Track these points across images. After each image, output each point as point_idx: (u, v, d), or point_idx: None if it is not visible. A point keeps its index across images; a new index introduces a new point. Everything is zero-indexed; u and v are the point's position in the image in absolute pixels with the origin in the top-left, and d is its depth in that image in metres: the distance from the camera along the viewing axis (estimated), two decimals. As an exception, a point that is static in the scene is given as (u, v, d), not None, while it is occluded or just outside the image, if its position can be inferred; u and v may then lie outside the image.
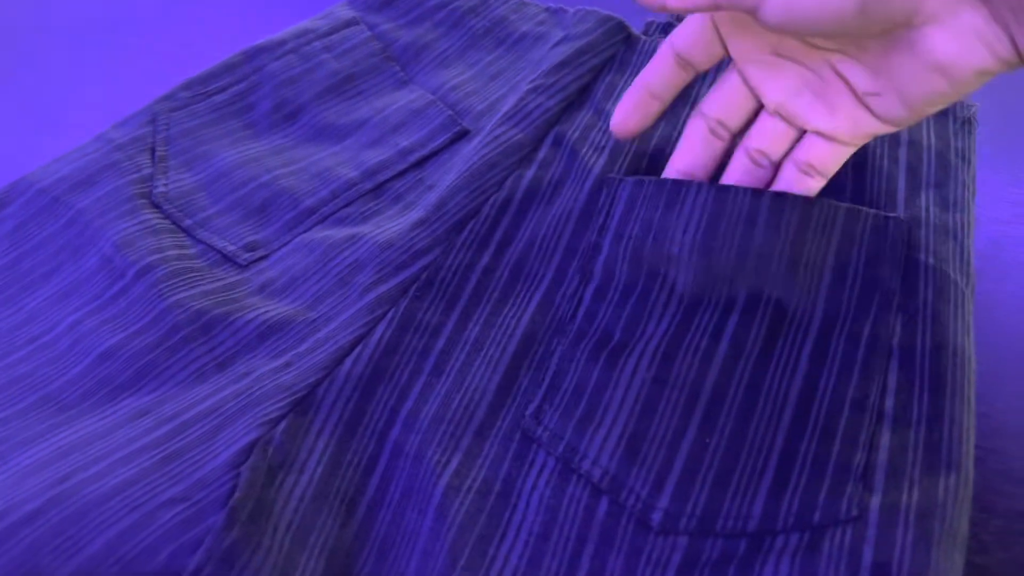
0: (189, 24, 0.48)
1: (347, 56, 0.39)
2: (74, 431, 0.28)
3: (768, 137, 0.29)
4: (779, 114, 0.28)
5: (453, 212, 0.31)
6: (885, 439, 0.24)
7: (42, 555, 0.25)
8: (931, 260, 0.28)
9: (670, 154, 0.32)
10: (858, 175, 0.30)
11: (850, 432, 0.25)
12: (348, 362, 0.28)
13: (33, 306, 0.32)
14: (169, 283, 0.31)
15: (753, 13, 0.24)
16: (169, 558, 0.24)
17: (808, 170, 0.28)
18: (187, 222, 0.34)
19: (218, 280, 0.31)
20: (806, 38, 0.26)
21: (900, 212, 0.29)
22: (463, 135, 0.35)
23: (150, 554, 0.24)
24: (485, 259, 0.31)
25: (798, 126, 0.28)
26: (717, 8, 0.24)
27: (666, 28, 0.39)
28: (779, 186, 0.29)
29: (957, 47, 0.22)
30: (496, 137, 0.33)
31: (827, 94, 0.27)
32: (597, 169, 0.32)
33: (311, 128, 0.37)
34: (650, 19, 0.40)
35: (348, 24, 0.40)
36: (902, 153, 0.31)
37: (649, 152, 0.33)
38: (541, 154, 0.33)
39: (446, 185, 0.32)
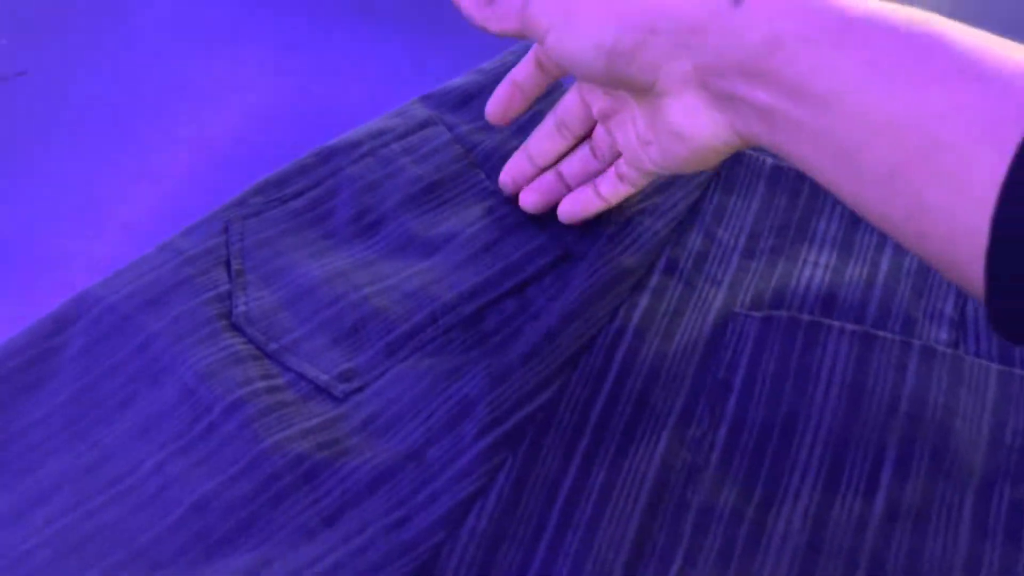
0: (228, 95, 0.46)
1: (428, 161, 0.37)
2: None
3: (600, 141, 0.32)
4: (604, 127, 0.32)
5: (566, 345, 0.29)
6: None
7: None
8: None
9: (793, 294, 0.31)
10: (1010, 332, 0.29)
11: None
12: (471, 519, 0.26)
13: (110, 441, 0.29)
14: (263, 421, 0.28)
15: (541, 43, 0.27)
16: None
17: (623, 177, 0.31)
18: (272, 346, 0.31)
19: (315, 416, 0.29)
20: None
21: None
22: (565, 258, 0.33)
23: None
24: (603, 396, 0.29)
25: (613, 140, 0.32)
26: (523, 37, 0.27)
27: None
28: (600, 182, 0.32)
29: (687, 120, 0.25)
30: (605, 263, 0.32)
31: (626, 127, 0.29)
32: (718, 303, 0.31)
33: (395, 240, 0.35)
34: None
35: (425, 124, 0.38)
36: None
37: (771, 288, 0.31)
38: (653, 281, 0.32)
39: (555, 314, 0.30)
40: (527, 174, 0.35)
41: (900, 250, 0.32)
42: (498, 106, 0.33)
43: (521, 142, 0.38)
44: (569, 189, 0.34)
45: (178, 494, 0.27)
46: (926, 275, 0.31)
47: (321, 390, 0.30)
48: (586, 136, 0.34)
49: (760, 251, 0.33)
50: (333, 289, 0.33)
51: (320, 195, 0.36)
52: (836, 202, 0.34)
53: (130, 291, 0.33)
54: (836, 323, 0.29)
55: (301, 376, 0.30)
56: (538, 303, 0.32)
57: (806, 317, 0.29)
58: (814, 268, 0.32)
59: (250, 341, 0.31)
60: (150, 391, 0.31)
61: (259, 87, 0.47)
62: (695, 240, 0.33)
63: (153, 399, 0.30)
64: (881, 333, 0.29)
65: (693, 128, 0.25)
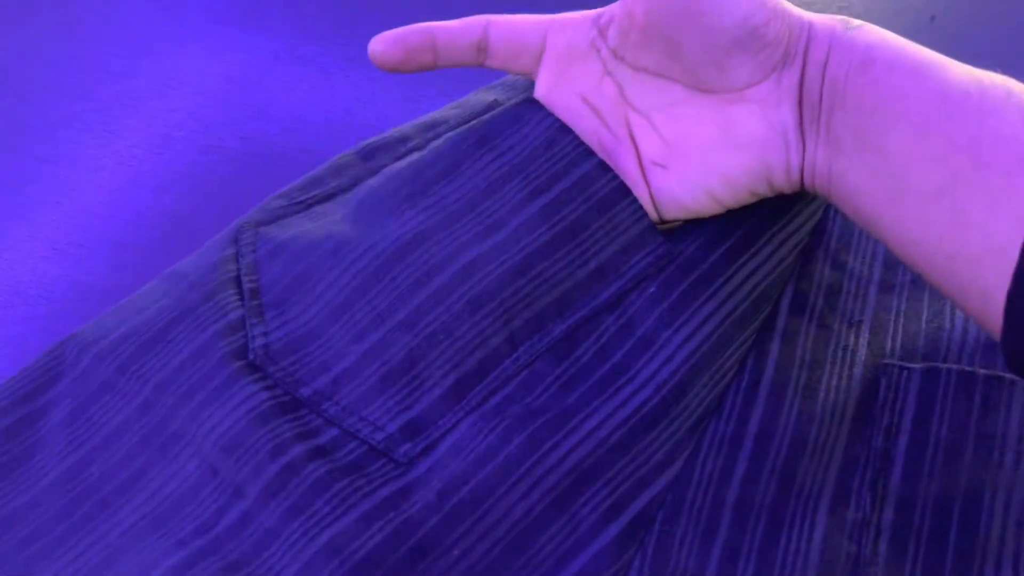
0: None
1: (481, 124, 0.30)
2: None
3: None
4: None
5: (692, 403, 0.23)
6: None
7: None
8: None
9: (952, 337, 0.25)
10: None
11: None
12: None
13: (115, 537, 0.23)
14: (312, 510, 0.22)
15: None
16: None
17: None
18: (305, 391, 0.25)
19: (375, 490, 0.22)
20: (647, 68, 0.26)
21: None
22: (671, 260, 0.26)
23: None
24: (741, 469, 0.22)
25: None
26: None
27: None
28: None
29: (764, 131, 0.24)
30: (734, 286, 0.25)
31: (614, 154, 0.27)
32: (863, 353, 0.24)
33: (445, 209, 0.27)
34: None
35: (489, 108, 0.31)
36: None
37: (923, 332, 0.25)
38: (781, 323, 0.25)
39: (677, 354, 0.23)
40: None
41: None
42: (395, 47, 0.27)
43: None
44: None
45: None
46: None
47: (378, 453, 0.23)
48: None
49: (900, 284, 0.27)
50: (371, 305, 0.26)
51: (351, 197, 0.29)
52: None
53: (125, 332, 0.27)
54: (1017, 389, 0.22)
55: (349, 434, 0.24)
56: (644, 324, 0.25)
57: (981, 371, 0.23)
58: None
59: (276, 385, 0.24)
60: (161, 466, 0.24)
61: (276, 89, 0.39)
62: (822, 270, 0.27)
63: (167, 478, 0.24)
64: None
65: (769, 141, 0.24)
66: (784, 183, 0.25)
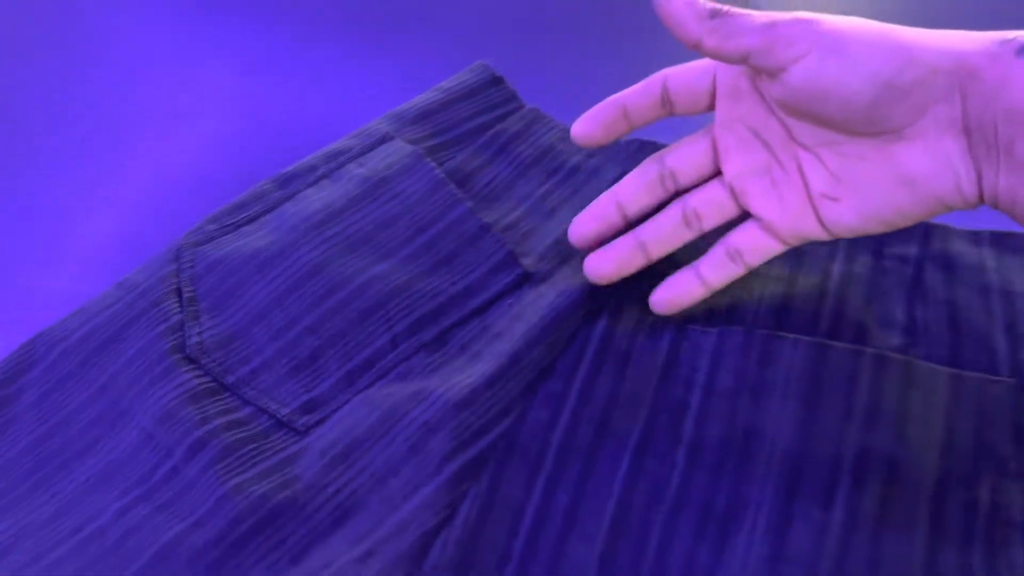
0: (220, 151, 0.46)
1: (375, 161, 0.37)
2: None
3: (708, 203, 0.30)
4: (732, 187, 0.29)
5: (528, 369, 0.30)
6: None
7: None
8: None
9: (746, 305, 0.31)
10: (955, 338, 0.29)
11: None
12: (435, 551, 0.26)
13: (71, 490, 0.29)
14: (224, 463, 0.28)
15: (775, 75, 0.25)
16: None
17: (735, 256, 0.29)
18: (230, 379, 0.31)
19: (276, 452, 0.29)
20: (799, 121, 0.27)
21: (1004, 372, 0.28)
22: (526, 278, 0.33)
23: None
24: (564, 419, 0.29)
25: (743, 205, 0.29)
26: (745, 61, 0.25)
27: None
28: (702, 264, 0.30)
29: (930, 167, 0.24)
30: (564, 285, 0.32)
31: (783, 187, 0.28)
32: (673, 321, 0.31)
33: (343, 240, 0.34)
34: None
35: (383, 140, 0.38)
36: (996, 306, 0.30)
37: (724, 305, 0.31)
38: (612, 304, 0.32)
39: (519, 337, 0.30)
40: (615, 227, 0.31)
41: (850, 257, 0.32)
42: (595, 126, 0.30)
43: (488, 160, 0.38)
44: (648, 260, 0.31)
45: (141, 542, 0.27)
46: (876, 281, 0.31)
47: (282, 424, 0.30)
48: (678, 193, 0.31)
49: None
50: (285, 312, 0.32)
51: (271, 218, 0.36)
52: None
53: (87, 331, 0.33)
54: (790, 336, 0.29)
55: (261, 410, 0.30)
56: (499, 324, 0.32)
57: (760, 332, 0.29)
58: (766, 280, 0.32)
59: (206, 374, 0.31)
60: (110, 437, 0.30)
61: (223, 112, 0.46)
62: None
63: (114, 445, 0.30)
64: (834, 343, 0.29)
65: (935, 175, 0.24)
66: (960, 205, 0.25)
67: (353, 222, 0.34)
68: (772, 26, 0.24)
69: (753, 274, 0.32)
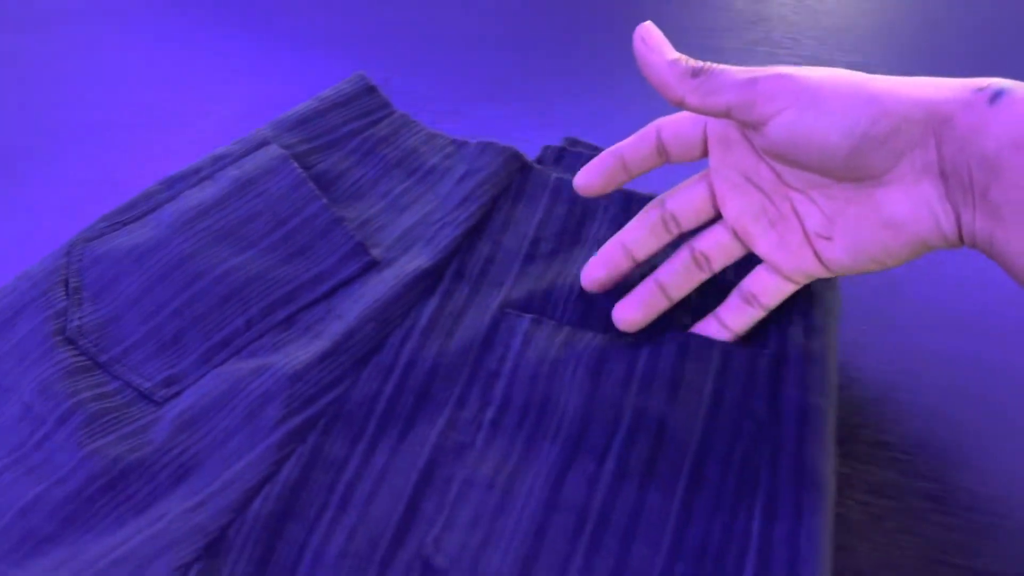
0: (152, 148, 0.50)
1: (255, 173, 0.41)
2: (-6, 583, 0.29)
3: (715, 245, 0.31)
4: (734, 229, 0.30)
5: (360, 345, 0.33)
6: (751, 562, 0.27)
7: None
8: (795, 392, 0.30)
9: (559, 293, 0.35)
10: None
11: (720, 554, 0.27)
12: (257, 502, 0.29)
13: None
14: (87, 430, 0.32)
15: (757, 128, 0.26)
16: None
17: (750, 300, 0.31)
18: (103, 357, 0.35)
19: (135, 421, 0.33)
20: (786, 167, 0.28)
21: (771, 346, 0.32)
22: (373, 265, 0.37)
23: None
24: (390, 388, 0.32)
25: (747, 246, 0.31)
26: (727, 116, 0.27)
27: (558, 156, 0.42)
28: (722, 311, 0.32)
29: (910, 210, 0.25)
30: (405, 268, 0.35)
31: (781, 227, 0.29)
32: (496, 302, 0.35)
33: (211, 233, 0.38)
34: (545, 145, 0.43)
35: (261, 145, 0.42)
36: None
37: (541, 291, 0.35)
38: (444, 286, 0.36)
39: (354, 316, 0.34)
40: (622, 269, 0.33)
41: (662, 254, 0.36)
42: (594, 178, 0.32)
43: (357, 162, 0.41)
44: (671, 302, 0.33)
45: (11, 499, 0.31)
46: None
47: (144, 396, 0.34)
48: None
49: (539, 255, 0.37)
50: (155, 298, 0.36)
51: (154, 216, 0.40)
52: (606, 208, 0.38)
53: (-17, 318, 0.37)
54: (589, 332, 0.33)
55: (127, 384, 0.34)
56: (343, 306, 0.35)
57: (566, 324, 0.33)
58: (579, 269, 0.36)
59: (83, 354, 0.35)
60: None
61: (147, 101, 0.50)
62: (484, 248, 0.37)
63: None
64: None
65: (916, 218, 0.25)
66: (943, 245, 0.25)
67: (220, 217, 0.38)
68: (752, 83, 0.26)
69: (572, 262, 0.36)
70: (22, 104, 0.53)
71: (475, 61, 0.52)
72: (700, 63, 0.27)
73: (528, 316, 0.34)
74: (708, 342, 0.31)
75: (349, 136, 0.43)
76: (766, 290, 0.31)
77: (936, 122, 0.23)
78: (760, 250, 0.30)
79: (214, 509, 0.29)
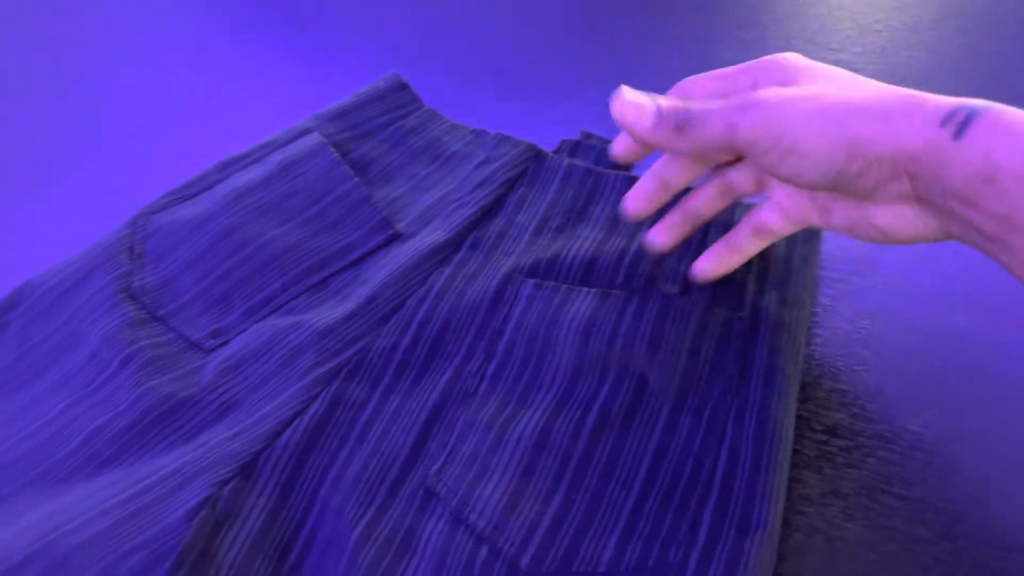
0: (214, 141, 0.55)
1: (297, 155, 0.45)
2: (65, 495, 0.34)
3: (742, 177, 0.33)
4: (757, 178, 0.32)
5: (382, 305, 0.38)
6: (712, 499, 0.30)
7: (30, 597, 0.30)
8: (764, 353, 0.33)
9: (563, 260, 0.39)
10: (716, 283, 0.37)
11: (685, 495, 0.30)
12: (286, 434, 0.34)
13: (35, 395, 0.38)
14: (144, 371, 0.37)
15: (753, 159, 0.28)
16: (133, 596, 0.29)
17: (759, 231, 0.33)
18: (160, 312, 0.40)
19: (185, 365, 0.38)
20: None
21: (746, 311, 0.35)
22: (397, 237, 0.41)
23: (118, 594, 0.30)
24: (406, 341, 0.37)
25: (767, 189, 0.33)
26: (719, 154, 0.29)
27: (573, 149, 0.46)
28: (733, 235, 0.34)
29: (895, 223, 0.27)
30: (424, 241, 0.40)
31: (795, 190, 0.31)
32: (504, 269, 0.39)
33: (255, 208, 0.43)
34: (563, 139, 0.47)
35: (303, 133, 0.47)
36: (755, 260, 0.37)
37: (546, 259, 0.39)
38: (459, 255, 0.40)
39: (378, 282, 0.38)
40: (660, 200, 0.35)
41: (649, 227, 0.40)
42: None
43: (388, 150, 0.46)
44: (695, 227, 0.35)
45: (77, 428, 0.36)
46: None
47: (194, 345, 0.38)
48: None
49: (548, 230, 0.41)
50: (205, 264, 0.41)
51: (208, 194, 0.45)
52: (611, 190, 0.42)
53: (61, 278, 0.42)
54: (585, 288, 0.37)
55: (180, 335, 0.39)
56: (368, 273, 0.40)
57: (564, 286, 0.37)
58: (584, 242, 0.39)
59: (143, 309, 0.40)
60: (68, 356, 0.39)
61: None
62: (497, 224, 0.41)
63: (68, 361, 0.39)
64: (615, 291, 0.36)
65: (900, 229, 0.27)
66: (930, 241, 0.27)
67: (264, 195, 0.43)
68: (733, 134, 0.27)
69: (576, 237, 0.40)
70: (87, 104, 0.59)
71: (491, 59, 0.57)
72: (682, 118, 0.29)
73: (532, 280, 0.38)
74: (688, 304, 0.35)
75: (382, 127, 0.47)
76: (772, 226, 0.33)
77: (904, 159, 0.24)
78: (776, 198, 0.32)
79: (249, 438, 0.34)
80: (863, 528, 0.30)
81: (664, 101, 0.30)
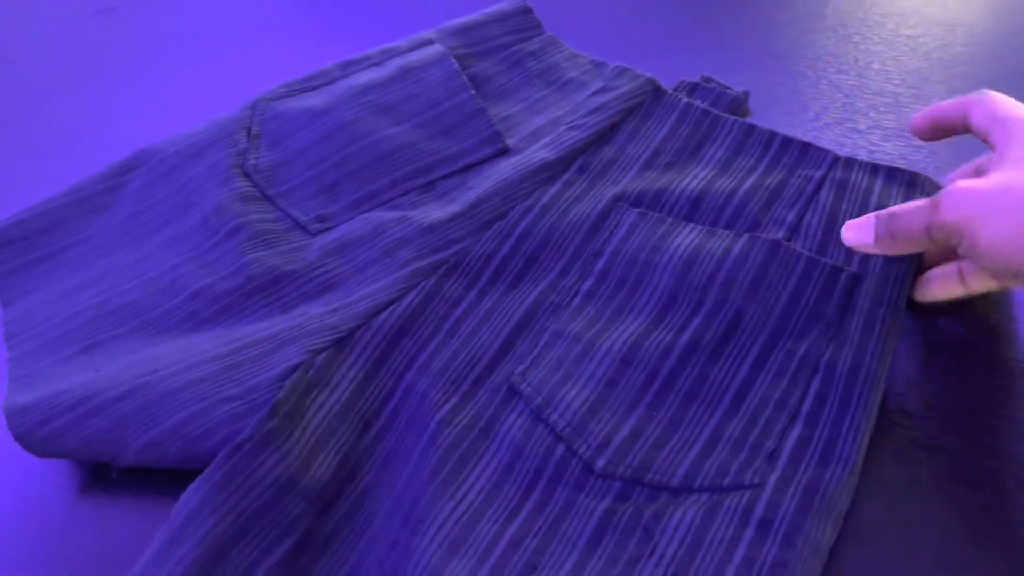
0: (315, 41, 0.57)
1: (414, 55, 0.46)
2: (164, 344, 0.36)
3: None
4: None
5: (486, 212, 0.38)
6: (795, 433, 0.30)
7: (126, 425, 0.32)
8: (867, 303, 0.33)
9: (670, 195, 0.39)
10: (826, 236, 0.36)
11: (769, 424, 0.30)
12: (382, 316, 0.35)
13: (148, 249, 0.40)
14: (251, 243, 0.38)
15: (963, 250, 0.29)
16: (223, 439, 0.31)
17: (960, 276, 0.34)
18: (271, 191, 0.41)
19: (291, 243, 0.39)
20: None
21: (855, 267, 0.35)
22: (505, 152, 0.42)
23: (208, 435, 0.31)
24: (505, 250, 0.37)
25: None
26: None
27: (691, 90, 0.45)
28: (937, 271, 0.35)
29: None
30: (532, 157, 0.40)
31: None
32: (609, 196, 0.39)
33: (373, 106, 0.44)
34: (683, 79, 0.46)
35: (424, 44, 0.48)
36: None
37: (653, 191, 0.39)
38: (566, 176, 0.40)
39: (484, 190, 0.39)
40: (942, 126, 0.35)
41: (767, 172, 0.39)
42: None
43: (505, 69, 0.47)
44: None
45: (184, 285, 0.38)
46: (780, 190, 0.38)
47: (299, 226, 0.40)
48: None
49: (658, 164, 0.41)
50: (319, 152, 0.42)
51: (328, 88, 0.46)
52: (727, 134, 0.41)
53: (179, 148, 0.44)
54: (690, 224, 0.37)
55: (287, 215, 0.40)
56: (475, 181, 0.40)
57: (669, 219, 0.37)
58: (692, 180, 0.39)
59: (255, 186, 0.41)
60: (181, 219, 0.41)
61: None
62: (608, 151, 0.41)
63: (181, 223, 0.41)
64: (720, 231, 0.36)
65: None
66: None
67: (383, 94, 0.44)
68: (931, 235, 0.30)
69: (686, 174, 0.40)
70: (166, 72, 0.61)
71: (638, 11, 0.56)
72: (885, 217, 0.32)
73: (636, 209, 0.38)
74: (796, 252, 0.35)
75: (501, 47, 0.48)
76: (974, 276, 0.34)
77: None
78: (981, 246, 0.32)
79: (346, 315, 0.35)
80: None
81: (878, 214, 0.32)
